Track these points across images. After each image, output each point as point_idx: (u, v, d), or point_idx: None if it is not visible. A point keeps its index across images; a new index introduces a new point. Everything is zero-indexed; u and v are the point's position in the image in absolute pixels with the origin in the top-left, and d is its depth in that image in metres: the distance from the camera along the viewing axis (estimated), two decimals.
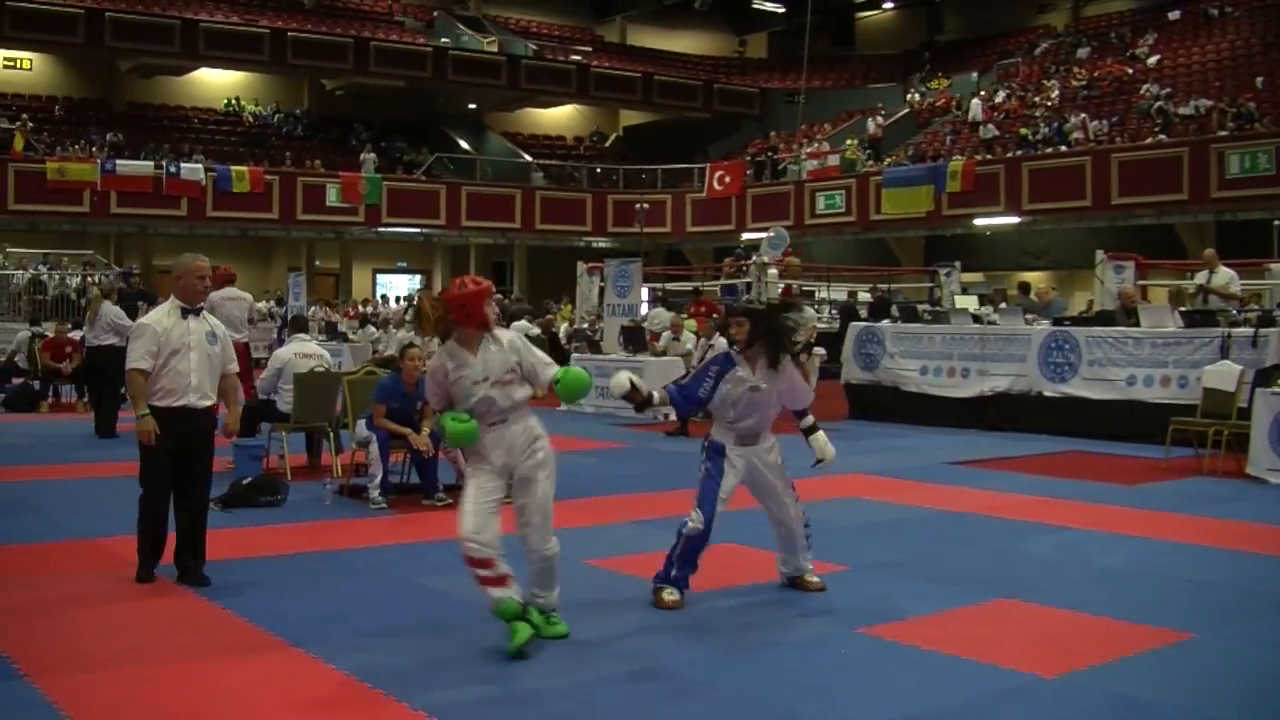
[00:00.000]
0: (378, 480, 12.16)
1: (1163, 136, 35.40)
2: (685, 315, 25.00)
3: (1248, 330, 16.74)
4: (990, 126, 41.33)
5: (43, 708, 6.15)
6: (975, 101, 44.52)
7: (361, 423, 12.46)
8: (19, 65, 45.11)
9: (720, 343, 19.19)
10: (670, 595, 8.28)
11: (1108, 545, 10.19)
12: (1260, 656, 7.26)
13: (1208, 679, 6.77)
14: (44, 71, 45.71)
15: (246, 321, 18.20)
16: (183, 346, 8.83)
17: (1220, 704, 6.37)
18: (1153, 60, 41.77)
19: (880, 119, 45.60)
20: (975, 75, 48.57)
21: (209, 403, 9.03)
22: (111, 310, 18.67)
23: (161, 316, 8.96)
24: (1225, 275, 19.71)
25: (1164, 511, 11.98)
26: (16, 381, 23.75)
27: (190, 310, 9.00)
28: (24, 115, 41.17)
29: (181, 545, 8.98)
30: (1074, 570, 9.04)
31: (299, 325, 16.79)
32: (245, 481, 12.18)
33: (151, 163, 39.75)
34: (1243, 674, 6.93)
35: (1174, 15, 45.31)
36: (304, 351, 15.00)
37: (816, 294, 33.48)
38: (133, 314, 18.90)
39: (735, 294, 30.29)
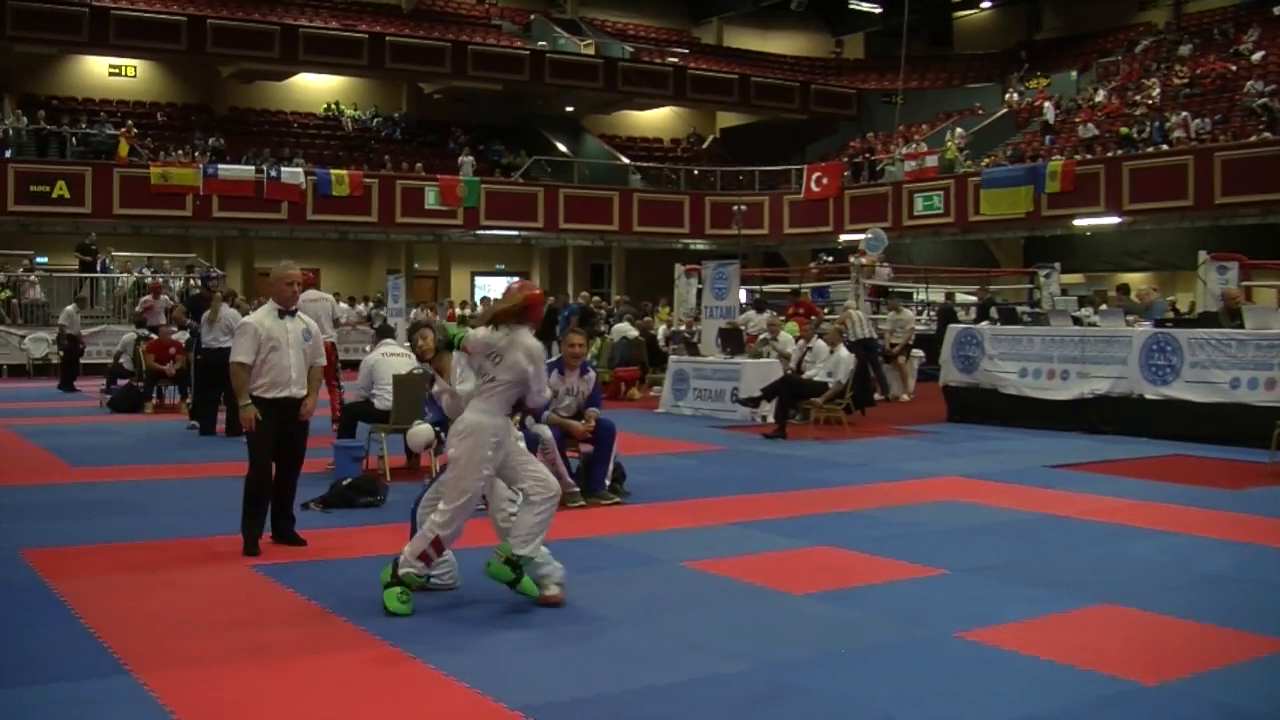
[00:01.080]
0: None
1: (1267, 134, 34.89)
2: (783, 317, 24.96)
3: None
4: (1090, 126, 40.92)
5: (149, 704, 6.23)
6: (1048, 105, 44.28)
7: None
8: (124, 73, 45.74)
9: (820, 345, 19.21)
10: None
11: (1211, 550, 10.05)
12: None
13: None
14: (148, 78, 46.33)
15: (330, 321, 18.45)
16: (281, 344, 9.89)
17: None
18: (1257, 56, 41.13)
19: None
20: (1074, 74, 48.10)
21: (306, 393, 10.11)
22: (230, 313, 18.92)
23: (262, 317, 10.03)
24: None
25: (1270, 517, 11.79)
26: (122, 383, 24.05)
27: (286, 311, 10.07)
28: (129, 121, 41.78)
29: (277, 511, 10.19)
30: (1176, 576, 8.93)
31: (385, 333, 16.98)
32: (345, 482, 12.29)
33: (252, 167, 40.24)
34: None
35: (1279, 10, 44.59)
36: (391, 351, 15.18)
37: (915, 295, 33.34)
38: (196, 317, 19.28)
39: (825, 295, 30.24)
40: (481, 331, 8.40)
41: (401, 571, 8.08)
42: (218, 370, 18.90)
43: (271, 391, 9.84)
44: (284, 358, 9.87)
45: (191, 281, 34.59)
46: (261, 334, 9.84)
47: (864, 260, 29.49)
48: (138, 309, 29.84)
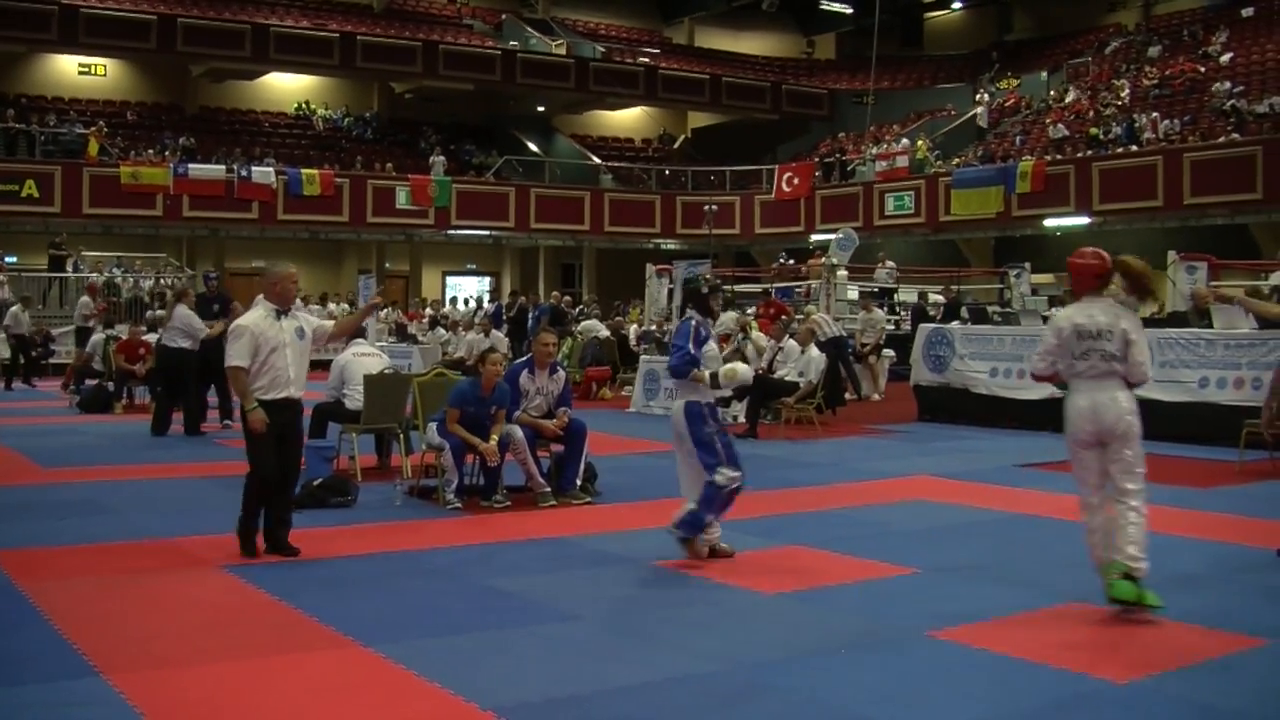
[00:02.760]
0: (454, 485, 12.21)
1: (1236, 135, 35.04)
2: (753, 317, 24.94)
3: None
4: (1060, 126, 41.06)
5: (118, 705, 6.22)
6: (980, 110, 44.55)
7: (433, 427, 12.46)
8: (93, 71, 45.52)
9: (791, 345, 19.25)
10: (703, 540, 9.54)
11: (1180, 549, 10.08)
12: None
13: None
14: (117, 77, 46.15)
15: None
16: (279, 344, 9.68)
17: None
18: (1225, 58, 41.29)
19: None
20: (1045, 75, 48.19)
21: (303, 393, 9.96)
22: (184, 314, 18.83)
23: (258, 319, 9.79)
24: None
25: (1238, 515, 11.85)
26: (92, 383, 23.96)
27: (283, 311, 9.89)
28: (98, 120, 41.63)
29: (273, 519, 9.88)
30: (1152, 575, 8.97)
31: (356, 332, 16.87)
32: (316, 482, 12.24)
33: (223, 166, 40.14)
34: None
35: (1247, 12, 44.71)
36: (362, 351, 15.15)
37: (896, 295, 33.45)
38: (208, 316, 19.09)
39: (790, 295, 30.30)
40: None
41: (1139, 576, 7.86)
42: (171, 371, 18.93)
43: (270, 393, 9.62)
44: (282, 359, 9.67)
45: (164, 281, 34.52)
46: (259, 336, 9.61)
47: (834, 260, 29.54)
48: (84, 311, 29.79)
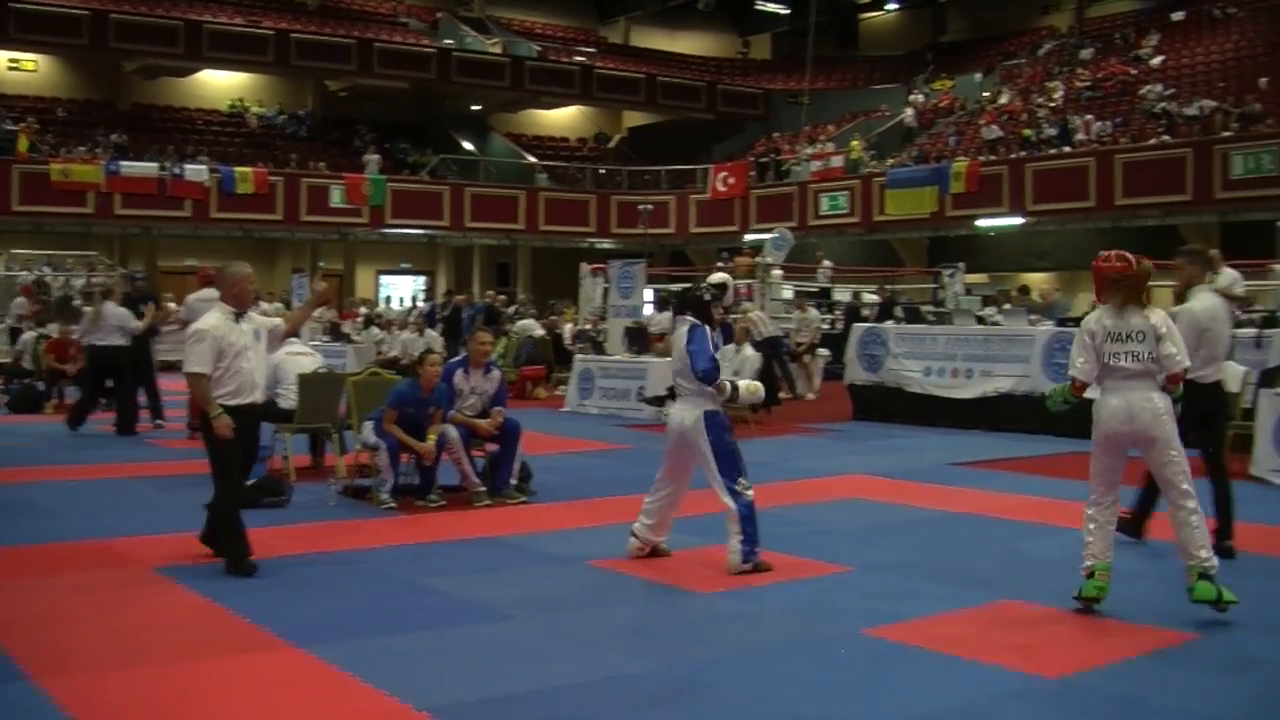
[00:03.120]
0: (389, 485, 12.16)
1: (1166, 137, 35.38)
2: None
3: (1252, 331, 16.77)
4: (994, 128, 41.32)
5: (47, 710, 6.15)
6: (909, 111, 44.80)
7: (369, 427, 12.38)
8: (23, 67, 45.04)
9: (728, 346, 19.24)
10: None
11: (1115, 546, 10.16)
12: (1263, 658, 7.26)
13: (1211, 680, 6.78)
14: (48, 73, 45.66)
15: None
16: (242, 348, 9.32)
17: (1223, 704, 6.38)
18: (1156, 61, 41.72)
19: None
20: (979, 76, 48.52)
21: (263, 398, 9.86)
22: (117, 311, 18.68)
23: (218, 322, 9.34)
24: (1229, 276, 19.64)
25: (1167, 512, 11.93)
26: (22, 383, 23.72)
27: (240, 314, 9.50)
28: (29, 117, 41.16)
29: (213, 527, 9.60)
30: (1078, 571, 9.02)
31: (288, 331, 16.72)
32: (249, 482, 12.16)
33: (156, 164, 39.77)
34: (1246, 676, 6.93)
35: (1178, 16, 45.26)
36: (296, 350, 15.06)
37: (832, 295, 33.55)
38: (138, 316, 18.94)
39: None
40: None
41: (1214, 573, 7.88)
42: (105, 369, 18.77)
43: (236, 399, 9.25)
44: (246, 362, 9.32)
45: (94, 280, 34.18)
46: (221, 341, 9.21)
47: (770, 259, 29.59)
48: (19, 311, 29.54)
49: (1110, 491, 8.29)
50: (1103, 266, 8.23)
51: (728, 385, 9.33)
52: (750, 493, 9.18)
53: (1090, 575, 8.08)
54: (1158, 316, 8.10)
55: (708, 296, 9.63)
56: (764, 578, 8.97)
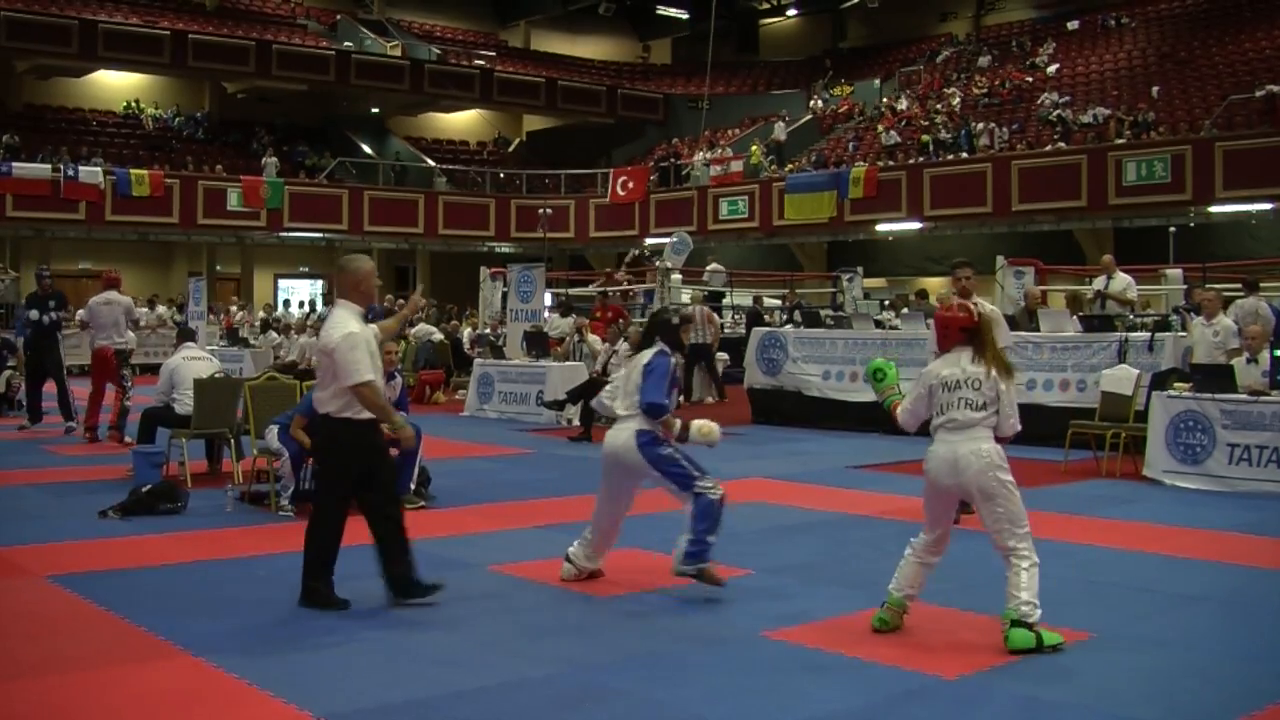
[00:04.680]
0: (290, 492, 12.05)
1: (1062, 144, 35.90)
2: (588, 321, 24.96)
3: (1144, 335, 17.03)
4: (892, 133, 41.66)
5: None
6: (779, 125, 45.11)
7: (272, 433, 12.23)
8: None
9: (624, 347, 19.27)
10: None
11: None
12: (1158, 655, 7.36)
13: (1107, 678, 6.87)
14: None
15: (128, 325, 18.30)
16: (374, 352, 8.43)
17: (1120, 702, 6.46)
18: (1052, 69, 42.33)
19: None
20: (878, 82, 48.95)
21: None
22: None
23: (359, 325, 8.38)
24: (1122, 281, 20.00)
25: (1063, 513, 12.10)
26: None
27: (366, 313, 8.72)
28: None
29: (393, 554, 8.51)
30: (974, 572, 9.10)
31: (186, 335, 16.54)
32: (144, 489, 12.04)
33: (49, 165, 39.16)
34: (1141, 673, 7.03)
35: (1073, 25, 46.07)
36: (192, 355, 14.95)
37: (727, 298, 33.58)
38: (44, 314, 18.75)
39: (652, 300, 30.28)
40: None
41: (1034, 620, 7.36)
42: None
43: (364, 412, 8.30)
44: (378, 366, 8.41)
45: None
46: (370, 344, 8.29)
47: (669, 264, 29.62)
48: None
49: (934, 529, 7.92)
50: (944, 316, 8.01)
51: (676, 423, 8.93)
52: (713, 490, 8.70)
53: (881, 604, 7.87)
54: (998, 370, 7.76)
55: (675, 320, 9.39)
56: (665, 581, 8.95)
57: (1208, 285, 20.31)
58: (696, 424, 9.06)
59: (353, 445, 8.37)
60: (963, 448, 7.60)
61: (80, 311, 19.75)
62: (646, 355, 8.99)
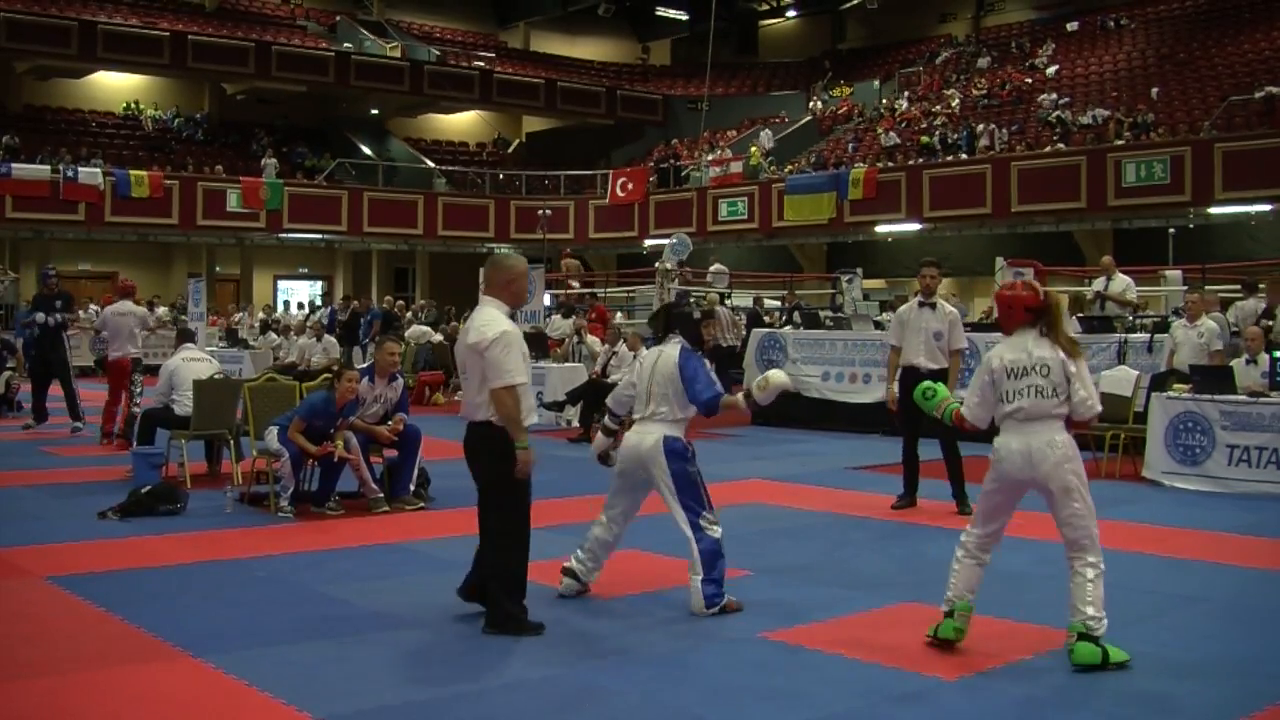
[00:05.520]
0: (290, 492, 12.05)
1: (1061, 145, 35.86)
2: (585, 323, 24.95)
3: (1143, 336, 17.02)
4: (892, 134, 41.66)
5: None
6: (764, 132, 45.09)
7: (272, 434, 12.21)
8: None
9: (624, 348, 19.27)
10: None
11: (1007, 548, 10.17)
12: (1157, 656, 7.35)
13: (1105, 679, 6.86)
14: None
15: (140, 336, 18.34)
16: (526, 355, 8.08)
17: (1118, 703, 6.46)
18: (1051, 70, 42.32)
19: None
20: (877, 83, 48.95)
21: None
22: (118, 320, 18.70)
23: (509, 323, 8.00)
24: (1122, 282, 19.98)
25: None
26: None
27: (513, 315, 8.27)
28: None
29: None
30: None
31: (185, 337, 16.53)
32: (144, 490, 12.03)
33: (48, 166, 39.11)
34: (1139, 673, 7.01)
35: (1072, 26, 46.07)
36: (192, 356, 14.95)
37: (728, 300, 33.59)
38: (50, 314, 18.76)
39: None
40: None
41: (1100, 634, 7.06)
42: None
43: (529, 418, 7.99)
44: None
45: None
46: (523, 346, 7.97)
47: (669, 265, 29.60)
48: None
49: (989, 523, 7.63)
50: (1007, 295, 7.63)
51: (739, 397, 8.76)
52: (717, 530, 8.40)
53: (949, 614, 7.52)
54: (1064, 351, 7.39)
55: (697, 314, 8.98)
56: (664, 582, 8.96)
57: (1206, 287, 20.35)
58: (758, 379, 8.75)
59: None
60: (1036, 440, 7.28)
61: (90, 313, 19.77)
62: (670, 354, 8.55)
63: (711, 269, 31.88)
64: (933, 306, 12.68)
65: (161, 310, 35.68)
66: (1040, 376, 7.29)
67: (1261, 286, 18.54)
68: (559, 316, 26.85)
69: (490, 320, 7.88)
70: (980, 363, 7.71)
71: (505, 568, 7.89)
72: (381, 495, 12.36)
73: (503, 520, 7.96)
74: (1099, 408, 7.49)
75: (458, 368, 8.13)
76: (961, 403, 7.75)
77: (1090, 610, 7.05)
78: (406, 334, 27.80)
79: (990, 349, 7.71)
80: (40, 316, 18.76)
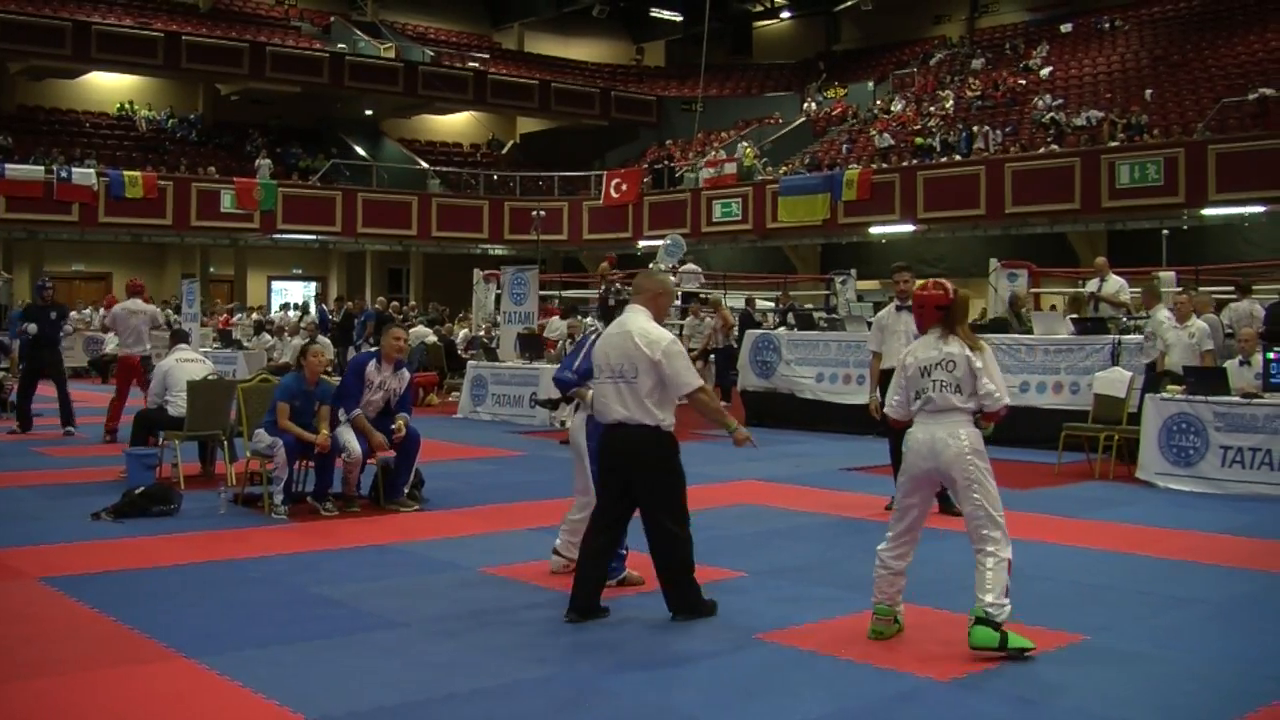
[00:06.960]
0: (283, 484, 12.01)
1: (1055, 147, 35.93)
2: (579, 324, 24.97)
3: (1137, 337, 17.02)
4: (886, 135, 41.70)
5: None
6: (742, 144, 45.11)
7: (261, 432, 12.24)
8: None
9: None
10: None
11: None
12: (1152, 657, 7.36)
13: (1101, 680, 6.87)
14: None
15: (152, 332, 18.37)
16: None
17: (1113, 705, 6.46)
18: (1045, 72, 42.39)
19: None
20: (871, 84, 48.99)
21: None
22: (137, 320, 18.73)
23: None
24: (1116, 283, 20.01)
25: (1056, 516, 12.14)
26: None
27: None
28: None
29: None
30: (968, 574, 9.07)
31: (179, 337, 16.52)
32: (138, 491, 12.02)
33: (42, 167, 39.08)
34: (1135, 675, 7.02)
35: (1066, 28, 46.14)
36: (185, 357, 14.95)
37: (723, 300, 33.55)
38: (45, 325, 18.75)
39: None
40: None
41: (1001, 619, 7.26)
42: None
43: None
44: None
45: None
46: None
47: (663, 265, 29.53)
48: None
49: (899, 523, 7.77)
50: (920, 295, 7.89)
51: (588, 393, 8.96)
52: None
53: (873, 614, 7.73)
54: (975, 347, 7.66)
55: (613, 302, 9.33)
56: (656, 583, 8.95)
57: (1200, 288, 20.36)
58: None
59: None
60: (940, 430, 7.52)
61: (85, 314, 19.78)
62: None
63: (683, 268, 31.69)
64: (910, 309, 12.71)
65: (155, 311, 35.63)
66: (946, 372, 7.57)
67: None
68: (557, 317, 26.84)
69: (651, 326, 8.15)
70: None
71: (687, 560, 8.15)
72: (363, 500, 12.48)
73: (675, 519, 8.14)
74: (1006, 399, 7.68)
75: (603, 368, 8.20)
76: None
77: (989, 597, 7.28)
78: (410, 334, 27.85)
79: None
80: (33, 328, 18.74)
